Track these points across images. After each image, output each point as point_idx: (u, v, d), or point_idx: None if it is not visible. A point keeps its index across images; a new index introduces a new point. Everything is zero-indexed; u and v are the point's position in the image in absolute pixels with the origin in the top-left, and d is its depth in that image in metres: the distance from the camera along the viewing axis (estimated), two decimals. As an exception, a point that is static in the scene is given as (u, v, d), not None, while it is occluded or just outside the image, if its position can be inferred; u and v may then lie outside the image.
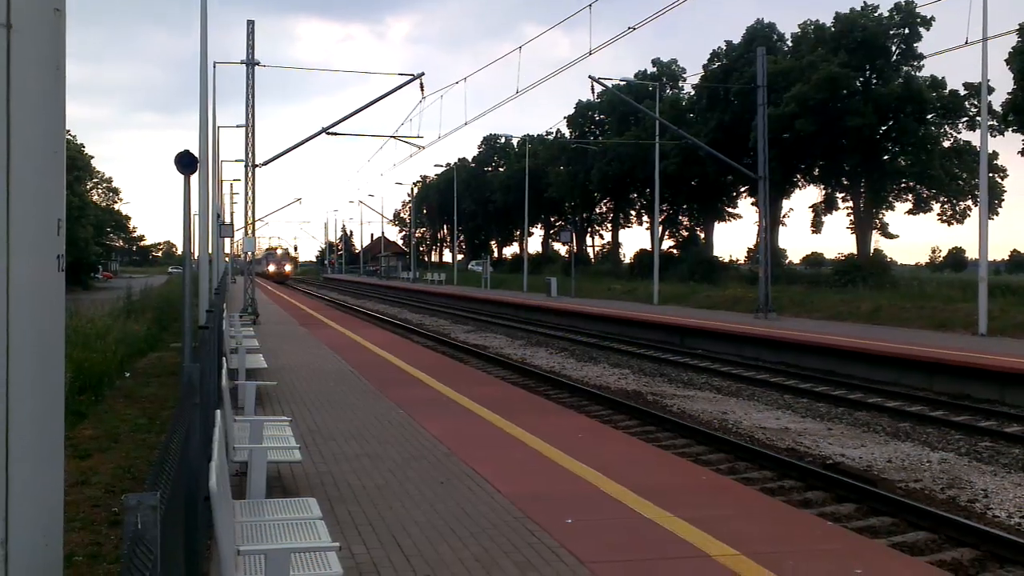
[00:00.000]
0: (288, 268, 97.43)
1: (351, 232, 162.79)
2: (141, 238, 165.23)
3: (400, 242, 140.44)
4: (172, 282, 64.25)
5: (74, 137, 78.82)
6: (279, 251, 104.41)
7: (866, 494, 9.72)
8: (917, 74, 54.41)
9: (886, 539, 8.32)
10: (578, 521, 6.82)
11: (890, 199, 58.63)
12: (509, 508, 7.18)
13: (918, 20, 53.75)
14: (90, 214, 74.69)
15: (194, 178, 16.39)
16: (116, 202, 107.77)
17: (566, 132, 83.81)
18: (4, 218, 2.69)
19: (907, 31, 54.51)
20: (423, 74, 29.50)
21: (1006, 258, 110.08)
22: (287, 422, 8.80)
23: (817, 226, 61.88)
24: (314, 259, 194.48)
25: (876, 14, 55.02)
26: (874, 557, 6.13)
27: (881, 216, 59.25)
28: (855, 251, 57.86)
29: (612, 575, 5.69)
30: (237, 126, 41.58)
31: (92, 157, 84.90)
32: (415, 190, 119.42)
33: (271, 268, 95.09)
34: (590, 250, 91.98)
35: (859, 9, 55.18)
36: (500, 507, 7.22)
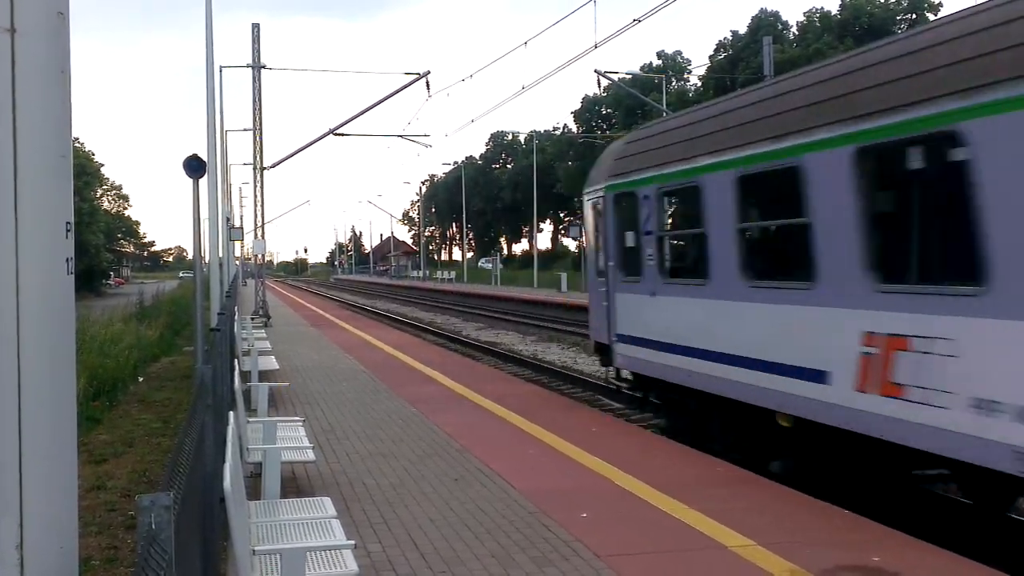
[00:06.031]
0: None
1: (360, 232, 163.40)
2: (151, 244, 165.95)
3: (410, 241, 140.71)
4: (183, 287, 64.43)
5: (82, 145, 79.10)
6: None
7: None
8: (925, 60, 54.14)
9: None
10: (594, 515, 6.80)
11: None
12: (524, 504, 7.17)
13: (925, 5, 53.53)
14: (100, 220, 75.03)
15: (203, 182, 16.44)
16: (126, 208, 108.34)
17: (573, 127, 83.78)
18: (12, 222, 2.69)
19: (914, 16, 54.23)
20: (429, 72, 29.39)
21: None
22: (300, 422, 8.82)
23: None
24: (324, 260, 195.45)
25: (883, 0, 54.78)
26: (894, 546, 6.08)
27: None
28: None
29: (629, 568, 5.67)
30: (244, 129, 41.57)
31: (102, 165, 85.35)
32: (423, 189, 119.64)
33: None
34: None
35: (865, -4, 55.01)
36: (515, 503, 7.20)
